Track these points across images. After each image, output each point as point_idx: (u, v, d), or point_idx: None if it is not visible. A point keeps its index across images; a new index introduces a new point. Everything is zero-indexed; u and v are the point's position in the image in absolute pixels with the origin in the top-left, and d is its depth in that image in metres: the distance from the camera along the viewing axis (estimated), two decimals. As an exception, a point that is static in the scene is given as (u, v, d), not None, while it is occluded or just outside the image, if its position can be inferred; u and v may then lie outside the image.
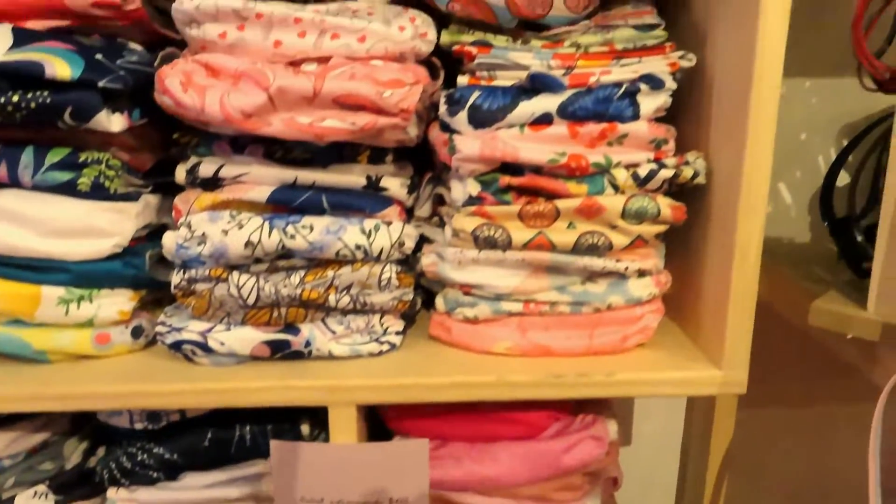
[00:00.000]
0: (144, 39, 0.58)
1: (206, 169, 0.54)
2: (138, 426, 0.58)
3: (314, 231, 0.53)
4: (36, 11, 0.54)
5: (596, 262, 0.54)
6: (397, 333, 0.57)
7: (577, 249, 0.53)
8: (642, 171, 0.53)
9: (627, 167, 0.54)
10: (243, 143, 0.54)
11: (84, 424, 0.63)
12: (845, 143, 0.78)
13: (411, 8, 0.56)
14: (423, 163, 0.61)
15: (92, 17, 0.54)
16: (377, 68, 0.51)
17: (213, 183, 0.54)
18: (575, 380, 0.53)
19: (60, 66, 0.48)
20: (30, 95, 0.48)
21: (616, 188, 0.53)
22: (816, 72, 0.76)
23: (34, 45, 0.49)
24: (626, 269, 0.54)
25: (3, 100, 0.48)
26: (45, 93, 0.49)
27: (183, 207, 0.55)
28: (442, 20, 0.58)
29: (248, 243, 0.52)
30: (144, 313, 0.59)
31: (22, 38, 0.50)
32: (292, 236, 0.53)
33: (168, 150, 0.57)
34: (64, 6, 0.53)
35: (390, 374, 0.54)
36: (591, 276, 0.55)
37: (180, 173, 0.55)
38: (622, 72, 0.54)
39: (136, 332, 0.57)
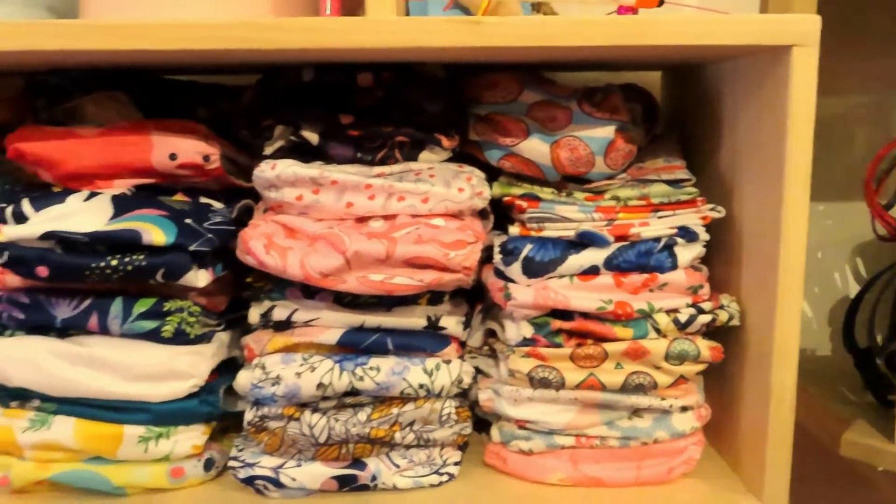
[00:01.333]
0: (218, 188, 0.63)
1: (280, 313, 0.58)
2: (205, 554, 0.61)
3: (381, 372, 0.57)
4: (125, 171, 0.59)
5: (642, 400, 0.58)
6: (455, 464, 0.61)
7: (624, 389, 0.57)
8: (682, 317, 0.58)
9: (668, 312, 0.58)
10: (314, 290, 0.58)
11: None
12: (858, 260, 0.84)
13: (465, 164, 0.62)
14: (473, 293, 0.65)
15: (175, 175, 0.60)
16: (441, 229, 0.56)
17: (285, 325, 0.59)
18: (626, 513, 0.56)
19: (156, 233, 0.53)
20: (127, 259, 0.53)
21: (658, 331, 0.58)
22: (829, 196, 0.82)
23: (132, 213, 0.55)
24: (671, 406, 0.58)
25: (102, 264, 0.53)
26: (141, 257, 0.53)
27: (255, 347, 0.59)
28: (489, 168, 0.63)
29: (319, 385, 0.56)
30: (214, 444, 0.62)
31: (121, 207, 0.55)
32: (361, 378, 0.57)
33: (240, 290, 0.62)
34: (152, 168, 0.59)
35: (451, 509, 0.57)
36: (637, 411, 0.59)
37: (254, 315, 0.59)
38: (659, 224, 0.59)
39: (208, 465, 0.61)
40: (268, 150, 0.59)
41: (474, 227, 0.58)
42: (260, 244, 0.54)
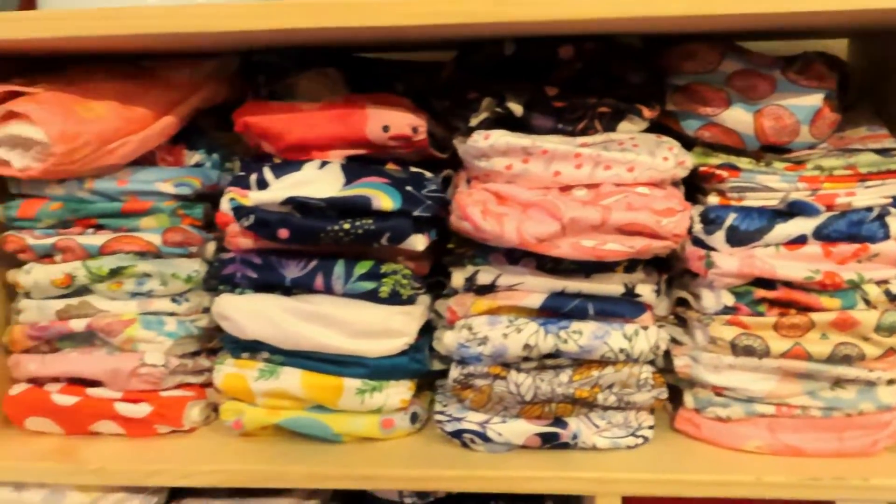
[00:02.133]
0: (416, 159, 0.67)
1: (484, 277, 0.61)
2: (407, 500, 0.66)
3: (584, 336, 0.59)
4: (339, 142, 0.63)
5: (849, 372, 0.58)
6: (650, 428, 0.62)
7: (831, 359, 0.57)
8: (894, 288, 0.57)
9: (878, 283, 0.58)
10: (518, 256, 0.61)
11: (346, 493, 0.71)
12: None
13: (663, 135, 0.63)
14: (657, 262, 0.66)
15: (384, 146, 0.64)
16: (650, 197, 0.57)
17: (488, 289, 0.62)
18: (831, 482, 0.57)
19: (384, 200, 0.57)
20: (357, 223, 0.58)
21: (867, 303, 0.57)
22: None
23: (360, 181, 0.59)
24: (878, 378, 0.58)
25: (336, 227, 0.57)
26: (370, 221, 0.58)
27: (458, 310, 0.63)
28: (679, 138, 0.64)
29: (526, 346, 0.59)
30: (416, 400, 0.66)
31: (350, 175, 0.60)
32: (565, 340, 0.59)
33: (439, 256, 0.66)
34: (366, 139, 0.63)
35: (652, 469, 0.59)
36: (840, 382, 0.59)
37: (458, 279, 0.63)
38: (868, 194, 0.58)
39: (414, 418, 0.65)
40: (473, 122, 0.62)
41: (678, 195, 0.59)
42: (477, 210, 0.57)
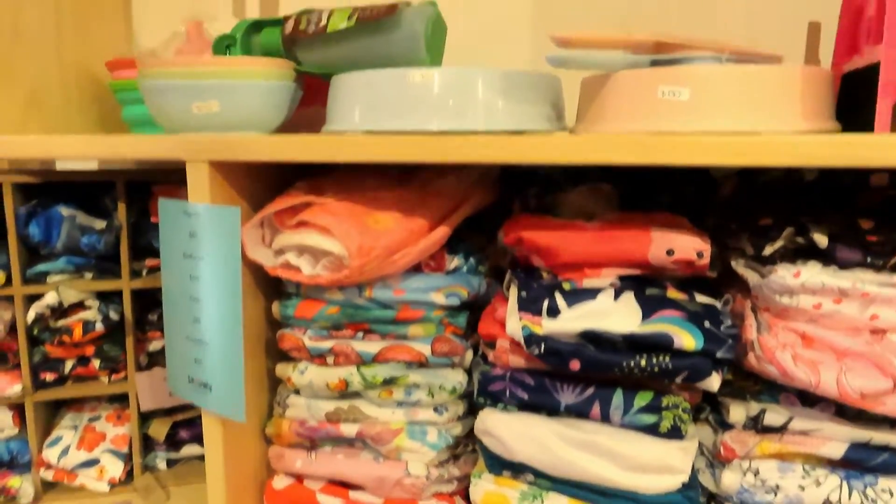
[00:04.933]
0: (684, 277, 0.64)
1: (774, 418, 0.57)
2: None
3: (895, 497, 0.54)
4: (617, 263, 0.61)
5: None
6: None
7: None
8: None
9: None
10: (814, 399, 0.57)
11: None
12: None
13: None
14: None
15: (662, 269, 0.61)
16: None
17: (776, 430, 0.58)
18: None
19: (686, 339, 0.54)
20: (654, 360, 0.55)
21: None
22: None
23: (658, 314, 0.56)
24: None
25: (631, 363, 0.55)
26: (667, 359, 0.55)
27: (737, 448, 0.59)
28: None
29: (826, 501, 0.55)
30: (679, 536, 0.63)
31: (647, 307, 0.57)
32: (874, 501, 0.54)
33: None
34: (647, 262, 0.60)
35: None
36: None
37: (738, 415, 0.59)
38: None
39: (681, 558, 0.61)
40: (767, 251, 0.58)
41: None
42: (787, 356, 0.54)
